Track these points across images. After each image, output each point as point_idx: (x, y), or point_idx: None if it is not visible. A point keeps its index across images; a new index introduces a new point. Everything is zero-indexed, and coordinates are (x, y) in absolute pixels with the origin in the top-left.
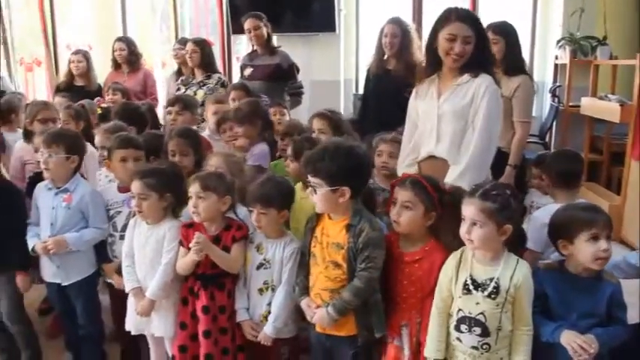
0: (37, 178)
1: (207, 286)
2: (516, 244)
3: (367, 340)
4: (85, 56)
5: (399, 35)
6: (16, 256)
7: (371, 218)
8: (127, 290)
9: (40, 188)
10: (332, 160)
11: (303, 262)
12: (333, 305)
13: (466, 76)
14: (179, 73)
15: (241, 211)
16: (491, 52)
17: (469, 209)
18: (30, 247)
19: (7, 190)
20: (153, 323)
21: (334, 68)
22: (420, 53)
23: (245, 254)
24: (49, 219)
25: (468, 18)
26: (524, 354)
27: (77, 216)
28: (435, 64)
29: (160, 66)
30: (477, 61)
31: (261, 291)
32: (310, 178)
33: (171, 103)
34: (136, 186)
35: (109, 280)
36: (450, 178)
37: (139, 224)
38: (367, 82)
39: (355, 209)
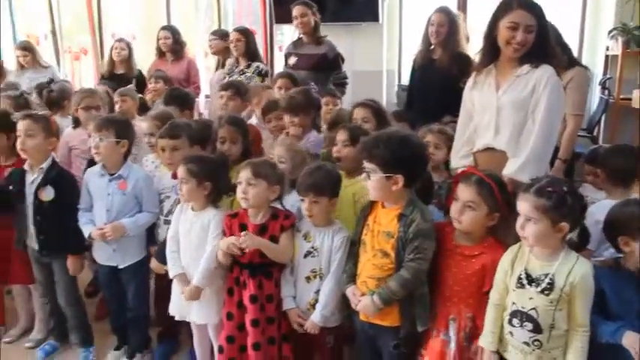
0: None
1: (256, 275)
2: (578, 241)
3: (409, 332)
4: (128, 44)
5: (445, 24)
6: (72, 241)
7: (424, 209)
8: (171, 276)
9: (92, 174)
10: (387, 147)
11: (352, 251)
12: (378, 294)
13: (526, 67)
14: (220, 63)
15: (288, 200)
16: (551, 42)
17: (523, 205)
18: (86, 234)
19: (63, 176)
20: (194, 311)
21: (377, 58)
22: (466, 43)
23: (293, 243)
24: (104, 205)
25: (531, 6)
26: (579, 355)
27: (132, 201)
28: (492, 53)
29: (203, 55)
30: (538, 51)
31: (308, 279)
32: (365, 164)
33: (224, 87)
34: (179, 170)
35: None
36: (510, 171)
37: (185, 210)
38: (413, 73)
39: (409, 199)
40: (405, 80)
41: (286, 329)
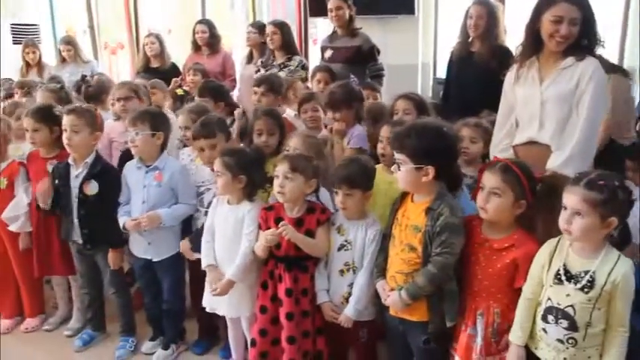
0: (127, 155)
1: (291, 268)
2: (619, 238)
3: (439, 328)
4: (158, 38)
5: (484, 17)
6: (114, 234)
7: (452, 203)
8: (203, 266)
9: (130, 167)
10: (418, 138)
11: (384, 245)
12: (406, 289)
13: (570, 60)
14: (250, 56)
15: (323, 194)
16: (597, 34)
17: (572, 198)
18: (121, 225)
19: (107, 171)
20: (225, 304)
21: (412, 52)
22: (505, 35)
23: (329, 237)
24: (140, 197)
25: None
26: (617, 356)
27: (168, 193)
28: (535, 46)
29: (238, 49)
30: (582, 44)
31: (342, 272)
32: (395, 155)
33: (257, 83)
34: (216, 163)
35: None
36: (554, 165)
37: (221, 203)
38: (450, 66)
39: (438, 192)
40: (441, 73)
41: (320, 323)
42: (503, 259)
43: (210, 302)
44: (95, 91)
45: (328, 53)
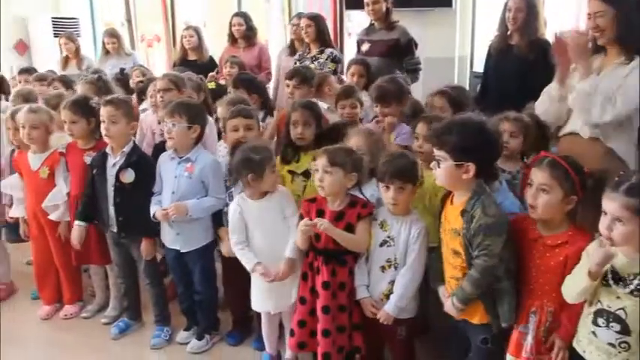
0: (161, 145)
1: (329, 262)
2: None
3: (498, 329)
4: (196, 31)
5: (524, 10)
6: (148, 224)
7: (485, 202)
8: (250, 267)
9: (164, 158)
10: (459, 134)
11: (439, 248)
12: (455, 295)
13: (623, 57)
14: (291, 48)
15: (367, 190)
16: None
17: (611, 205)
18: (152, 214)
19: (143, 160)
20: (272, 301)
21: (449, 45)
22: (545, 28)
23: (370, 232)
24: (171, 187)
25: None
26: None
27: (198, 185)
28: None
29: (274, 42)
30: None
31: (383, 269)
32: (435, 151)
33: (289, 76)
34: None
35: (218, 249)
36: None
37: (245, 202)
38: (488, 59)
39: (474, 190)
40: (478, 67)
41: (358, 319)
42: (557, 256)
43: (262, 303)
44: (145, 86)
45: (365, 46)
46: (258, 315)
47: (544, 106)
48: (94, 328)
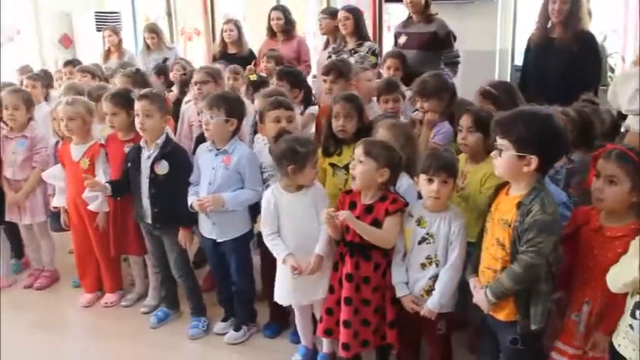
0: (203, 138)
1: (354, 254)
2: None
3: (526, 329)
4: (236, 24)
5: (569, 1)
6: (183, 214)
7: (546, 200)
8: (281, 259)
9: (202, 149)
10: (526, 125)
11: (479, 239)
12: (490, 288)
13: None
14: (327, 42)
15: (404, 183)
16: None
17: None
18: (189, 204)
19: (177, 151)
20: (300, 293)
21: (490, 37)
22: (589, 20)
23: (400, 228)
24: (207, 178)
25: None
26: None
27: (234, 177)
28: None
29: (312, 35)
30: None
31: (423, 266)
32: (498, 140)
33: (325, 72)
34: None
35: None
36: None
37: (281, 193)
38: (527, 52)
39: (533, 186)
40: (520, 61)
41: (393, 316)
42: (616, 248)
43: (287, 296)
44: (189, 78)
45: (402, 39)
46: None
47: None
48: (133, 317)
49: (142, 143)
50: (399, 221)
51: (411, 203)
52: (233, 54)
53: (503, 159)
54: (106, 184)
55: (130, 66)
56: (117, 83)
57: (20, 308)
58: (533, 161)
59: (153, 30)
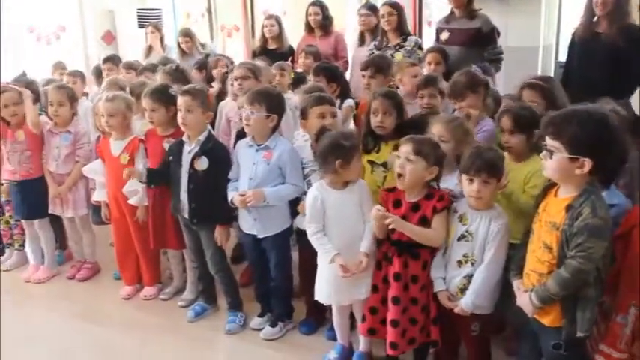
0: (243, 133)
1: (402, 253)
2: None
3: (571, 335)
4: (277, 20)
5: None
6: (221, 211)
7: (597, 203)
8: (329, 259)
9: (242, 145)
10: (580, 126)
11: (524, 240)
12: (535, 292)
13: None
14: (361, 38)
15: (451, 180)
16: None
17: None
18: (229, 200)
19: (218, 148)
20: (342, 293)
21: (533, 33)
22: (636, 14)
23: (447, 225)
24: (248, 174)
25: None
26: None
27: (275, 172)
28: None
29: (352, 30)
30: None
31: (459, 263)
32: (548, 141)
33: (363, 67)
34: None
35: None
36: None
37: (327, 190)
38: (571, 47)
39: (585, 189)
40: (564, 57)
41: (436, 312)
42: None
43: (330, 295)
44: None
45: (444, 35)
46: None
47: None
48: (171, 310)
49: (184, 138)
50: (446, 218)
51: (457, 199)
52: (273, 50)
53: (554, 161)
54: (143, 170)
55: (170, 63)
56: (157, 79)
57: (63, 298)
58: (587, 164)
59: (186, 34)
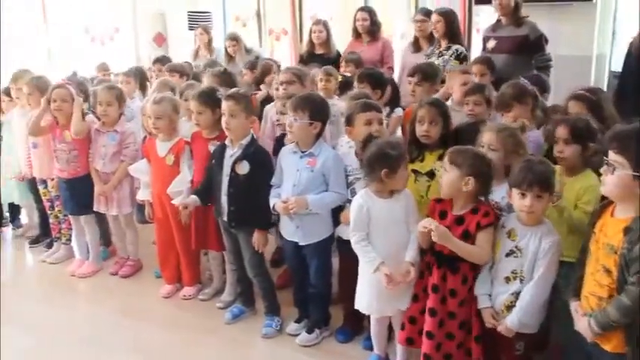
0: (281, 138)
1: (441, 265)
2: None
3: None
4: (325, 26)
5: None
6: (260, 216)
7: None
8: (373, 269)
9: (286, 151)
10: None
11: (581, 259)
12: (595, 317)
13: None
14: (415, 45)
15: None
16: None
17: None
18: (271, 206)
19: (260, 153)
20: (384, 303)
21: (586, 42)
22: None
23: (493, 242)
24: (292, 180)
25: None
26: None
27: (319, 179)
28: None
29: (399, 37)
30: None
31: (507, 279)
32: (612, 155)
33: (410, 73)
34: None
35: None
36: None
37: (373, 198)
38: (627, 59)
39: None
40: (618, 66)
41: (478, 330)
42: None
43: (380, 306)
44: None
45: (491, 44)
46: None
47: None
48: (209, 311)
49: (227, 142)
50: (492, 235)
51: (505, 214)
52: (320, 54)
53: (615, 177)
54: (194, 197)
55: (217, 65)
56: (204, 82)
57: (106, 294)
58: None
59: (233, 38)
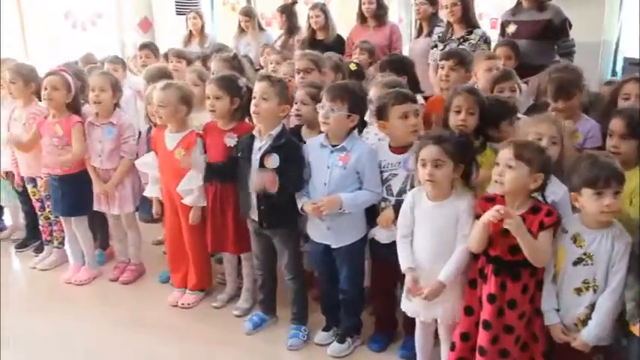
0: (296, 130)
1: (499, 273)
2: None
3: None
4: (323, 9)
5: None
6: (292, 214)
7: None
8: (403, 268)
9: (313, 145)
10: None
11: None
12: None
13: None
14: (419, 29)
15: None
16: None
17: None
18: (299, 206)
19: (291, 145)
20: (436, 308)
21: (595, 28)
22: None
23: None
24: (322, 178)
25: None
26: None
27: (352, 176)
28: None
29: (397, 21)
30: None
31: (579, 291)
32: None
33: (444, 57)
34: (431, 151)
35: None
36: None
37: (421, 198)
38: None
39: None
40: (627, 52)
41: (543, 347)
42: None
43: (414, 308)
44: None
45: (511, 28)
46: (406, 318)
47: None
48: (225, 319)
49: (255, 132)
50: (552, 237)
51: (565, 217)
52: (320, 40)
53: None
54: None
55: (224, 49)
56: (212, 67)
57: (106, 303)
58: None
59: (247, 13)
